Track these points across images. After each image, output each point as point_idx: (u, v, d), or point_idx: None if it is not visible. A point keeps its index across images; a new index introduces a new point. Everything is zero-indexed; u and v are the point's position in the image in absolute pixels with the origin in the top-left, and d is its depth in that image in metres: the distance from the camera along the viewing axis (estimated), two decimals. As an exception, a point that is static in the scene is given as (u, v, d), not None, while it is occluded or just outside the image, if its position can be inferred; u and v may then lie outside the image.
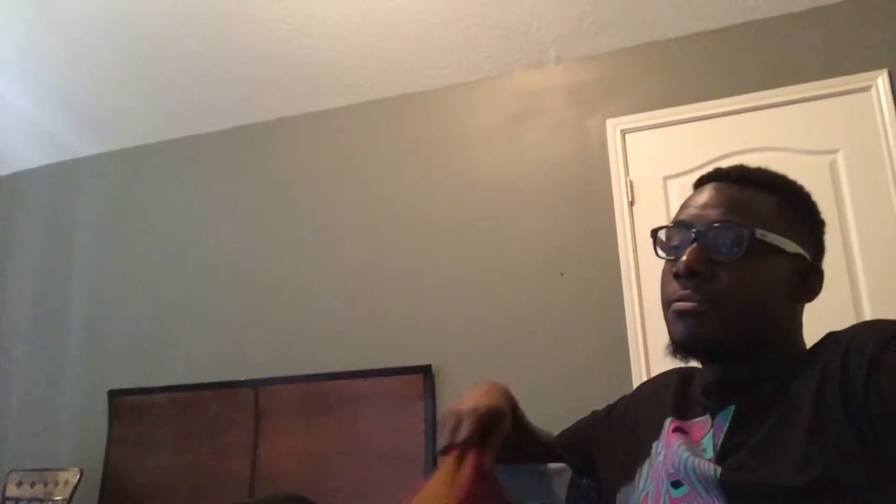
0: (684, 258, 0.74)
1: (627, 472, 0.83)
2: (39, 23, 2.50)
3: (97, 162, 3.26)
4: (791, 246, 0.74)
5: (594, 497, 0.93)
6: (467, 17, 2.41)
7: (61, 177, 3.32)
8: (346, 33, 2.49)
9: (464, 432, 0.79)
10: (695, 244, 0.74)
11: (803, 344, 0.77)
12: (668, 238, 0.79)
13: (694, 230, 0.75)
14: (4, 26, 2.52)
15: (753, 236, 0.72)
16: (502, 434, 0.82)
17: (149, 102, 2.93)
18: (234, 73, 2.72)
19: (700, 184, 0.82)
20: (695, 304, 0.73)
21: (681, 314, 0.74)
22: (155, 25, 2.48)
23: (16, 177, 3.43)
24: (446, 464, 0.79)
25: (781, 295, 0.74)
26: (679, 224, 0.78)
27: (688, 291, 0.74)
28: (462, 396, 0.87)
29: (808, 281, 0.76)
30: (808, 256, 0.75)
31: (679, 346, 0.75)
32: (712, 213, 0.75)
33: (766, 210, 0.75)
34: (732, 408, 0.73)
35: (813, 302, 0.81)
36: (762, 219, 0.74)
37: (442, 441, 0.81)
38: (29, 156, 3.33)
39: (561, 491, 0.95)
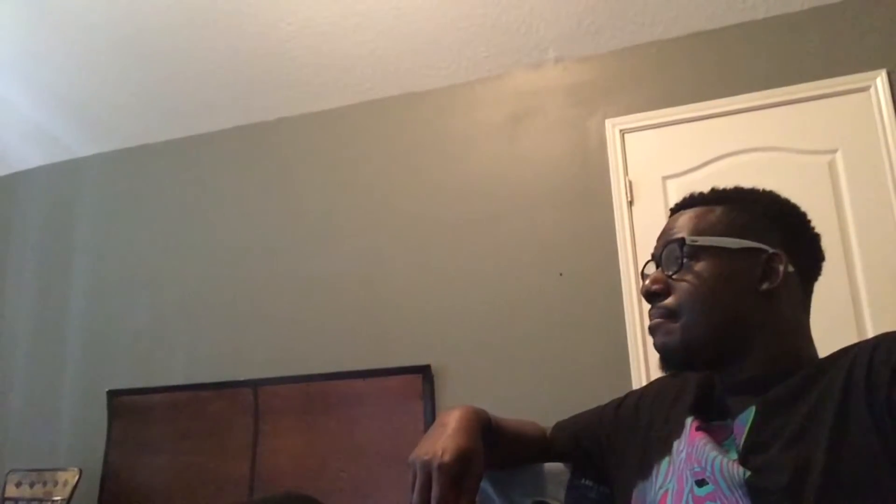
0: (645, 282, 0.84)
1: (643, 468, 0.83)
2: (39, 23, 2.50)
3: (97, 162, 3.26)
4: (735, 242, 0.78)
5: (594, 497, 0.93)
6: (467, 17, 2.41)
7: (61, 177, 3.32)
8: (346, 33, 2.49)
9: (436, 493, 0.77)
10: (655, 268, 0.84)
11: (813, 350, 0.79)
12: (645, 270, 0.90)
13: (654, 256, 0.86)
14: (4, 27, 2.52)
15: (684, 244, 0.79)
16: (476, 478, 0.81)
17: (149, 102, 2.93)
18: (234, 73, 2.72)
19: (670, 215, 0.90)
20: (658, 319, 0.81)
21: (651, 330, 0.83)
22: (154, 25, 2.48)
23: (16, 177, 3.44)
24: None
25: (743, 290, 0.77)
26: (651, 259, 0.88)
27: (653, 309, 0.83)
28: (428, 434, 0.85)
29: (774, 270, 0.77)
30: (768, 248, 0.78)
31: (661, 358, 0.82)
32: (664, 238, 0.84)
33: (709, 220, 0.81)
34: (753, 408, 0.73)
35: (813, 301, 0.82)
36: (700, 228, 0.81)
37: (414, 499, 0.79)
38: (29, 156, 3.33)
39: (560, 491, 0.95)
